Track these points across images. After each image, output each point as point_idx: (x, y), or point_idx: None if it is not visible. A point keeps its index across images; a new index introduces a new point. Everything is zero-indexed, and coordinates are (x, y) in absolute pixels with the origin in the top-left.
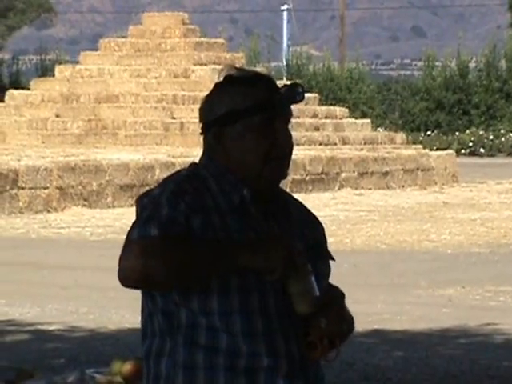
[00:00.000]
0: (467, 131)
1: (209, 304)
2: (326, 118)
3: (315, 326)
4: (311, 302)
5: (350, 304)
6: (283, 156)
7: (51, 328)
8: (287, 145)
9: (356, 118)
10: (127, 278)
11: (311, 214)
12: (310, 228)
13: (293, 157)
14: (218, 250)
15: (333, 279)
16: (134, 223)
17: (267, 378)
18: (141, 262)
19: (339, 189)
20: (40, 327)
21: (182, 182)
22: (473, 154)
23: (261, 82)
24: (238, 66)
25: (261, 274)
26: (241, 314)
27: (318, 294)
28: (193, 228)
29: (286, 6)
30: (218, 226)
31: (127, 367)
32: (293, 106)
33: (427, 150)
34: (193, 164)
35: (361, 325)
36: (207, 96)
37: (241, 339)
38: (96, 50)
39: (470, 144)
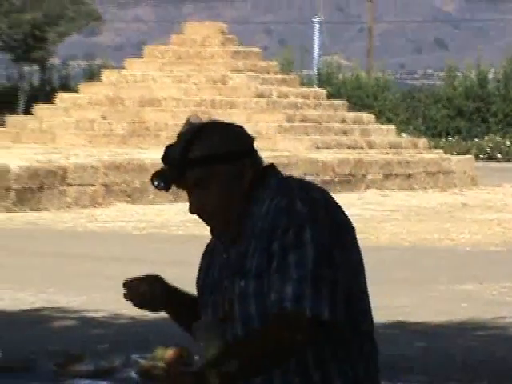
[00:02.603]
0: (485, 137)
1: None
2: (354, 123)
3: None
4: None
5: (375, 297)
6: (195, 213)
7: (96, 315)
8: (192, 205)
9: (382, 124)
10: None
11: (275, 215)
12: (268, 230)
13: (322, 159)
14: None
15: None
16: None
17: None
18: None
19: (365, 189)
20: (86, 314)
21: (207, 243)
22: (490, 158)
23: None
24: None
25: None
26: None
27: None
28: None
29: (317, 18)
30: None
31: (169, 353)
32: (323, 111)
33: (448, 155)
34: None
35: (385, 317)
36: None
37: None
38: (140, 56)
39: (488, 149)
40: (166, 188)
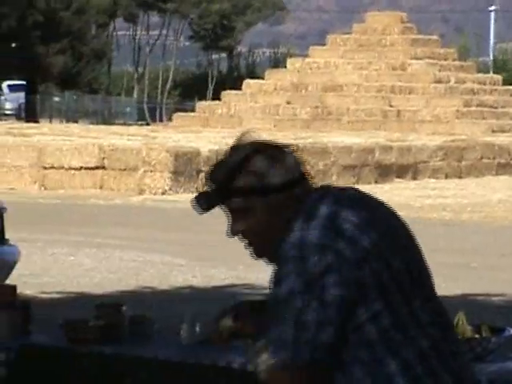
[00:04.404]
0: None
1: None
2: None
3: None
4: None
5: None
6: (234, 236)
7: None
8: (232, 230)
9: None
10: None
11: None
12: None
13: (498, 142)
14: None
15: None
16: None
17: None
18: None
19: None
20: None
21: None
22: None
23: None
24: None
25: None
26: None
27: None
28: None
29: (493, 7)
30: None
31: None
32: (499, 97)
33: None
34: None
35: None
36: None
37: None
38: (322, 44)
39: None
40: (207, 210)
